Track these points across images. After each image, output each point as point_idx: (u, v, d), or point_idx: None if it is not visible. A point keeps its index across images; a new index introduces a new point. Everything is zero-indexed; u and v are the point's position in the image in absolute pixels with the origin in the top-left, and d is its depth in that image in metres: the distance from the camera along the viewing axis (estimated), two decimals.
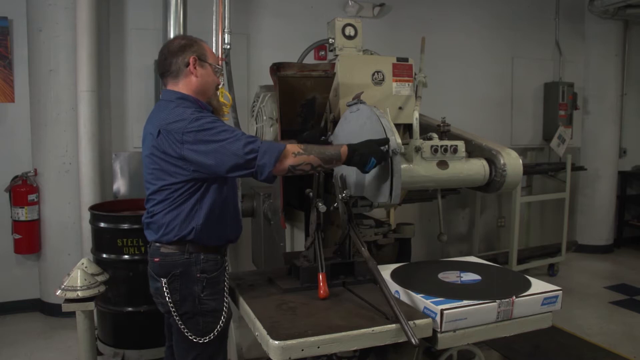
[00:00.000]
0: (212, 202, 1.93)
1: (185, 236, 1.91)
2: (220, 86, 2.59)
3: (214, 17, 3.50)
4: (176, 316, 1.93)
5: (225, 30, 3.51)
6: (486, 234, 5.69)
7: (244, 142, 1.81)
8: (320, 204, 2.09)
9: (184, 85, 1.99)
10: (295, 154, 1.86)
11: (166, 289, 1.92)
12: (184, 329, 1.92)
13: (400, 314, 1.72)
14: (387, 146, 1.94)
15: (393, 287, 2.03)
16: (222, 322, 1.98)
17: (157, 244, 1.96)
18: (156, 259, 1.96)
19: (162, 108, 1.95)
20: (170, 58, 1.99)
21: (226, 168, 1.82)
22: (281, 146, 1.86)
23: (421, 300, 1.88)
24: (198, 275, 1.93)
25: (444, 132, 2.57)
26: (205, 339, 1.94)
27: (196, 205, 1.91)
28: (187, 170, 1.86)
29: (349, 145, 1.94)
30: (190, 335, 1.92)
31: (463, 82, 5.34)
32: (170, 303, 1.92)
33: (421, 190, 3.20)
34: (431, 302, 1.83)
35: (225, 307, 2.00)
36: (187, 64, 1.98)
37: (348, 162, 1.93)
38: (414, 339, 1.66)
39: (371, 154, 1.91)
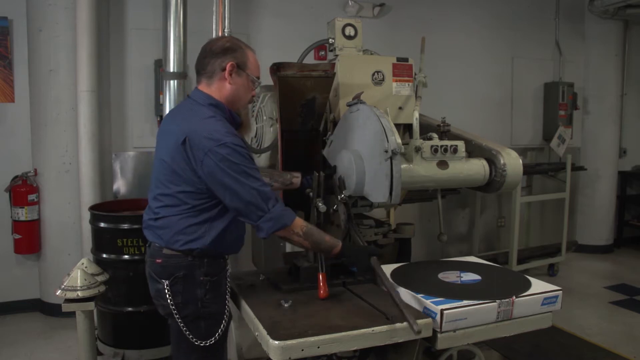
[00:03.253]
0: (224, 227, 1.89)
1: (192, 249, 1.87)
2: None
3: (214, 17, 3.50)
4: (178, 319, 1.88)
5: (225, 30, 3.51)
6: (486, 234, 5.68)
7: (261, 197, 1.79)
8: (320, 204, 2.09)
9: (217, 90, 1.93)
10: (294, 232, 1.87)
11: (168, 291, 1.87)
12: (185, 331, 1.88)
13: (401, 302, 1.74)
14: (375, 257, 1.97)
15: None
16: (224, 325, 1.94)
17: (159, 245, 1.92)
18: (158, 260, 1.91)
19: (193, 112, 1.89)
20: (209, 58, 1.92)
21: (231, 206, 1.82)
22: (289, 219, 1.85)
23: (421, 300, 1.88)
24: (202, 278, 1.87)
25: (444, 132, 2.57)
26: (207, 343, 1.89)
27: (206, 223, 1.86)
28: (204, 185, 1.82)
29: (344, 246, 1.98)
30: (192, 338, 1.88)
31: (463, 82, 5.33)
32: (172, 305, 1.87)
33: (421, 190, 3.20)
34: (431, 302, 1.83)
35: (227, 310, 1.96)
36: (224, 69, 1.90)
37: (338, 257, 1.99)
38: (415, 327, 1.66)
39: (355, 263, 2.01)
